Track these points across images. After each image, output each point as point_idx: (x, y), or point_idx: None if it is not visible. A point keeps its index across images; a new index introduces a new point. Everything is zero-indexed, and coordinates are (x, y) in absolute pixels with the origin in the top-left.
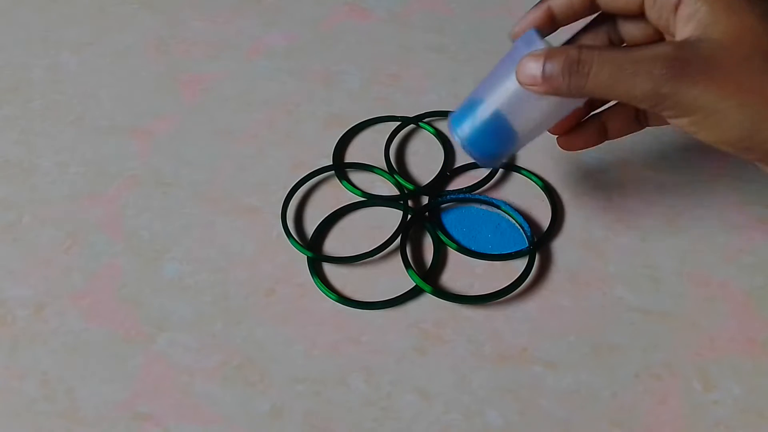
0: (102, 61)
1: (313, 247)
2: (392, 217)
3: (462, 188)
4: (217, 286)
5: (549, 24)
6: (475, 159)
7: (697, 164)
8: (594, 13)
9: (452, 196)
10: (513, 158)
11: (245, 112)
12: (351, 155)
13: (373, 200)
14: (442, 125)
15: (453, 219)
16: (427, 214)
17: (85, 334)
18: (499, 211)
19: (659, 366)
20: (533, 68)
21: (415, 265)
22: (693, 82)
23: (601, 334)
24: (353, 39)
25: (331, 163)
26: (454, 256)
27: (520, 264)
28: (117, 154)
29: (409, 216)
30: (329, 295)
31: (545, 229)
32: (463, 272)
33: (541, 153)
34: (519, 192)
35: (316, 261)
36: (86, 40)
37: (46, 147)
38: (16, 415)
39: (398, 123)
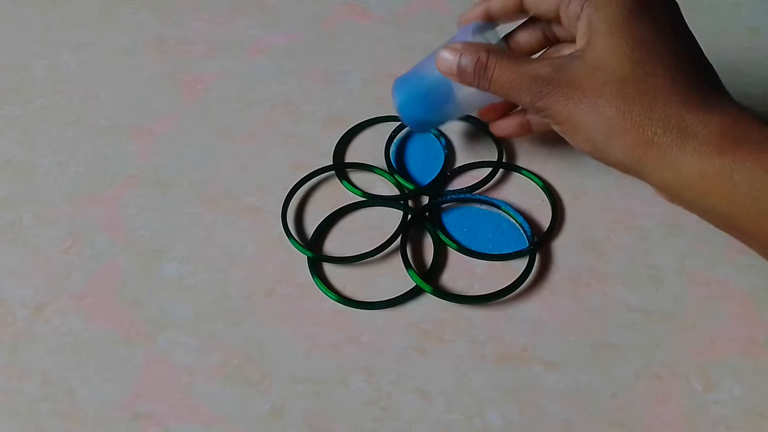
0: (102, 61)
1: (313, 247)
2: (392, 217)
3: (462, 188)
4: (217, 286)
5: (485, 19)
6: (405, 122)
7: None
8: (525, 16)
9: (452, 196)
10: (513, 158)
11: (245, 112)
12: (351, 155)
13: (373, 200)
14: (443, 125)
15: (453, 219)
16: (427, 214)
17: (85, 334)
18: (499, 211)
19: (660, 366)
20: (450, 60)
21: (415, 265)
22: (558, 101)
23: (602, 334)
24: (354, 39)
25: (332, 163)
26: (454, 256)
27: (521, 264)
28: (117, 153)
29: (410, 216)
30: (329, 295)
31: (545, 229)
32: (463, 272)
33: (542, 153)
34: (519, 192)
35: (317, 261)
36: (87, 39)
37: (46, 147)
38: (17, 415)
39: (398, 123)
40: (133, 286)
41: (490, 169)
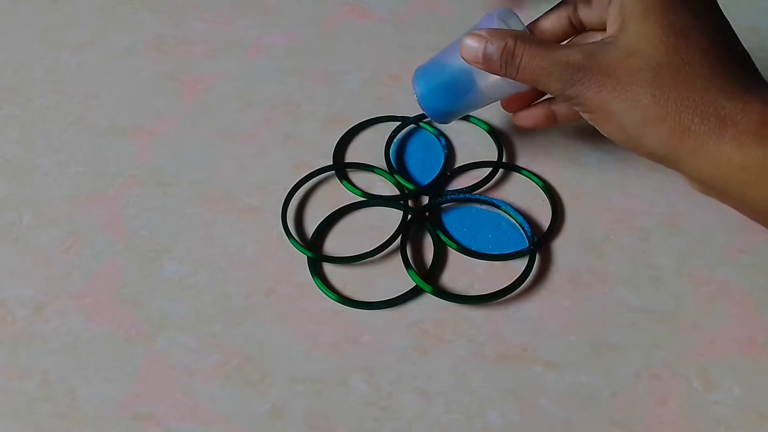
0: (102, 61)
1: (313, 247)
2: (392, 217)
3: (462, 188)
4: (217, 286)
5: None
6: (426, 112)
7: None
8: None
9: (452, 196)
10: (513, 158)
11: (245, 112)
12: (351, 155)
13: (373, 200)
14: (443, 125)
15: (453, 219)
16: (427, 214)
17: (85, 334)
18: (499, 211)
19: (660, 366)
20: (475, 47)
21: (415, 265)
22: (590, 88)
23: (602, 334)
24: (353, 39)
25: (332, 163)
26: (454, 256)
27: (521, 264)
28: (117, 154)
29: (410, 216)
30: (329, 295)
31: (545, 229)
32: (463, 272)
33: (542, 153)
34: (519, 192)
35: (317, 261)
36: (86, 39)
37: (46, 147)
38: (16, 415)
39: (398, 123)
40: (133, 286)
41: (490, 169)
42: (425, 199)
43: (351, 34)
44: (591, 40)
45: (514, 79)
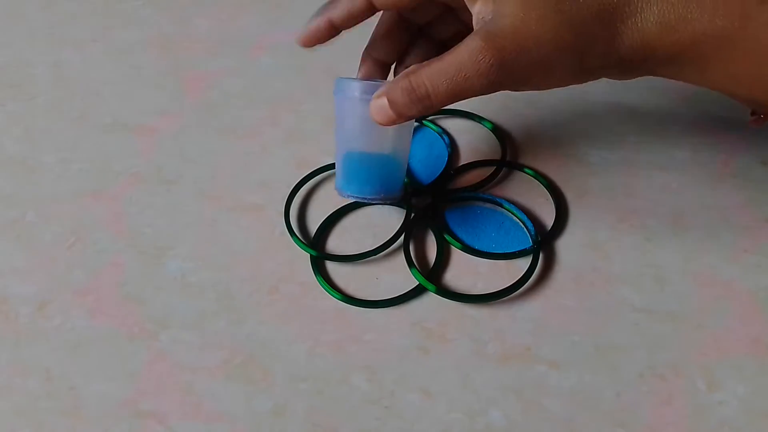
0: (105, 58)
1: (316, 245)
2: (395, 216)
3: (466, 187)
4: (219, 284)
5: (330, 32)
6: (377, 202)
7: (702, 164)
8: (373, 14)
9: (456, 195)
10: (517, 157)
11: (249, 110)
12: None
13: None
14: (446, 124)
15: (456, 218)
16: (430, 212)
17: (88, 332)
18: (502, 209)
19: (663, 366)
20: (382, 109)
21: (418, 263)
22: (513, 61)
23: (605, 333)
24: (358, 36)
25: (335, 160)
26: (457, 254)
27: (524, 263)
28: (120, 151)
29: (413, 215)
30: (332, 293)
31: (549, 228)
32: (466, 271)
33: (546, 152)
34: (523, 191)
35: (319, 259)
36: (90, 36)
37: (49, 144)
38: (19, 412)
39: None
40: (136, 283)
41: (494, 167)
42: (429, 198)
43: (355, 31)
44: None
45: (433, 108)
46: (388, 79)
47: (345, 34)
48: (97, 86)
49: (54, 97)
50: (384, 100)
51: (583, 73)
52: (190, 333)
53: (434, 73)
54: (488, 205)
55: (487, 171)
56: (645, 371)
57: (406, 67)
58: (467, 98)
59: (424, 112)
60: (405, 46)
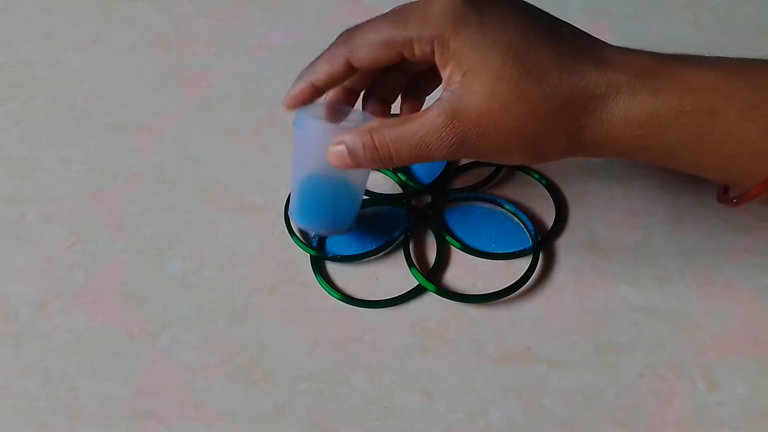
0: (105, 58)
1: (316, 245)
2: (395, 216)
3: (465, 187)
4: (219, 284)
5: (313, 94)
6: (332, 234)
7: None
8: (354, 74)
9: (456, 195)
10: None
11: (249, 110)
12: None
13: (376, 199)
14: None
15: (456, 217)
16: (430, 212)
17: (87, 332)
18: (502, 209)
19: (663, 366)
20: (341, 155)
21: (418, 263)
22: (474, 140)
23: (605, 333)
24: None
25: None
26: (457, 254)
27: (524, 263)
28: (120, 151)
29: (413, 215)
30: (332, 293)
31: (549, 227)
32: (466, 271)
33: None
34: (523, 190)
35: (319, 259)
36: (90, 37)
37: (49, 144)
38: (19, 413)
39: None
40: (136, 283)
41: (494, 167)
42: (428, 198)
43: None
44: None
45: (394, 166)
46: (355, 106)
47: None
48: (97, 86)
49: (54, 97)
50: (343, 148)
51: (542, 158)
52: (190, 333)
53: (398, 138)
54: (488, 205)
55: (487, 171)
56: (645, 371)
57: (376, 98)
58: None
59: (385, 167)
60: (375, 76)
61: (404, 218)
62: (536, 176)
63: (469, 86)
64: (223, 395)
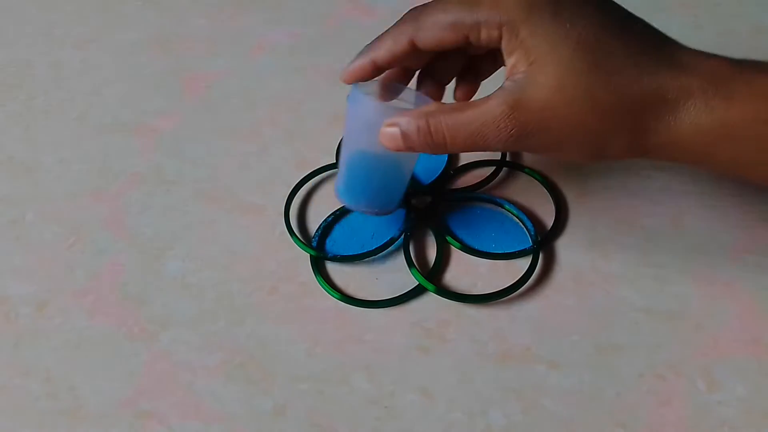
0: (105, 58)
1: (316, 245)
2: (395, 216)
3: (465, 187)
4: (219, 284)
5: (373, 71)
6: (375, 213)
7: None
8: (416, 54)
9: (456, 195)
10: (517, 157)
11: (249, 110)
12: None
13: None
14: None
15: (456, 218)
16: (430, 212)
17: (87, 332)
18: (502, 209)
19: (663, 366)
20: (393, 137)
21: (418, 263)
22: (533, 134)
23: (605, 333)
24: (357, 36)
25: (335, 161)
26: (457, 255)
27: (524, 263)
28: (120, 151)
29: (413, 214)
30: (332, 293)
31: (549, 228)
32: (466, 271)
33: None
34: (523, 191)
35: (319, 259)
36: (90, 36)
37: (49, 144)
38: (19, 413)
39: None
40: (136, 283)
41: (494, 167)
42: (428, 198)
43: (354, 31)
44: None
45: (446, 152)
46: (410, 84)
47: (346, 35)
48: (97, 86)
49: (54, 97)
50: (396, 130)
51: (601, 157)
52: (190, 333)
53: (455, 125)
54: (488, 205)
55: (487, 171)
56: (645, 371)
57: (432, 78)
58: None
59: (437, 153)
60: (434, 56)
61: (404, 218)
62: (536, 176)
63: (535, 77)
64: (223, 395)
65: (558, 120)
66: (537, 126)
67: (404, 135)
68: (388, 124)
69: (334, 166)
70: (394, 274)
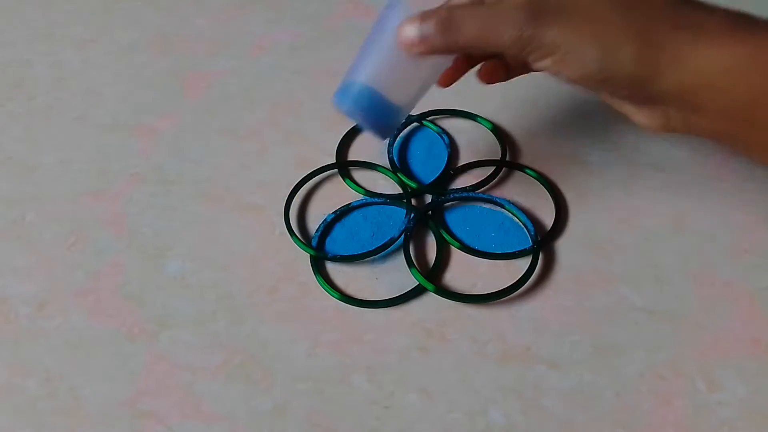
0: (106, 58)
1: (315, 245)
2: (395, 216)
3: (465, 187)
4: (219, 284)
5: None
6: (371, 131)
7: (701, 163)
8: None
9: (456, 195)
10: (517, 157)
11: (249, 110)
12: (354, 153)
13: (376, 199)
14: (446, 123)
15: (456, 218)
16: (430, 212)
17: (87, 332)
18: (502, 209)
19: (663, 366)
20: (411, 31)
21: (418, 263)
22: (550, 24)
23: (605, 333)
24: (357, 36)
25: (335, 161)
26: (457, 255)
27: (524, 263)
28: (120, 151)
29: (413, 214)
30: (332, 293)
31: (549, 228)
32: (466, 271)
33: (546, 152)
34: (523, 191)
35: (319, 259)
36: (90, 36)
37: (49, 144)
38: (19, 413)
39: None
40: (136, 283)
41: (494, 167)
42: (428, 198)
43: (354, 31)
44: None
45: (457, 45)
46: None
47: (346, 35)
48: (97, 86)
49: (54, 97)
50: (415, 24)
51: (612, 63)
52: (190, 333)
53: (474, 13)
54: (488, 205)
55: (487, 171)
56: (645, 371)
57: None
58: (489, 48)
59: (447, 48)
60: None
61: (404, 218)
62: (536, 176)
63: None
64: (223, 395)
65: (572, 14)
66: (554, 10)
67: (422, 16)
68: (410, 20)
69: (333, 166)
70: (394, 274)
